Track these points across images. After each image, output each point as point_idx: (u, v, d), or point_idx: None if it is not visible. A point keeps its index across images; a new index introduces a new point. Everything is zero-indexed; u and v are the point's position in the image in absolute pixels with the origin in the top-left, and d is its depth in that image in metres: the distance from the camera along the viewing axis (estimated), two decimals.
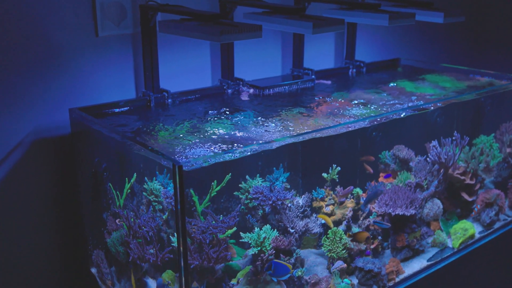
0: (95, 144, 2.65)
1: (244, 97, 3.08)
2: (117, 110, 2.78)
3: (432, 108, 3.09)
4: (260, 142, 2.32)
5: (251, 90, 3.15)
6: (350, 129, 2.56)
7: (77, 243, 2.92)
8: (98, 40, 2.79)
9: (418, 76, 3.66)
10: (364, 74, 3.70)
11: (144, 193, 2.46)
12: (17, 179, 2.68)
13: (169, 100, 2.93)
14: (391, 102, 2.99)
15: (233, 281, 2.52)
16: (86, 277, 2.93)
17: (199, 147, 2.28)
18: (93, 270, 2.88)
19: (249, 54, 3.36)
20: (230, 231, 2.59)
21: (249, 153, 2.25)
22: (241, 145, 2.29)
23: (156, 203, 2.48)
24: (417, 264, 2.99)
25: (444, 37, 4.60)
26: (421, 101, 3.02)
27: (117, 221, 2.59)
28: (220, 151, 2.21)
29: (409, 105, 2.92)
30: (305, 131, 2.48)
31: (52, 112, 2.72)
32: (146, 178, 2.50)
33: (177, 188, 1.91)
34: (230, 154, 2.18)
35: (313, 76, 3.38)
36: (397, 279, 2.86)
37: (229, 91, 3.14)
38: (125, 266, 2.59)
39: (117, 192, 2.55)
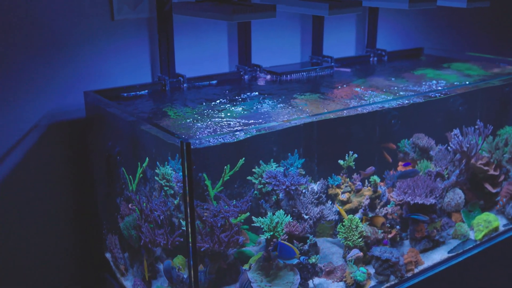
0: (109, 127, 2.64)
1: (261, 82, 3.04)
2: (131, 94, 2.76)
3: (450, 94, 2.99)
4: (272, 123, 2.27)
5: (268, 76, 3.10)
6: (366, 111, 2.48)
7: (91, 228, 2.91)
8: (113, 23, 2.77)
9: (441, 64, 3.56)
10: (386, 62, 3.62)
11: (156, 178, 2.43)
12: (32, 162, 2.68)
13: (185, 85, 2.90)
14: (412, 88, 2.91)
15: (245, 267, 2.48)
16: (101, 262, 2.92)
17: (212, 128, 2.24)
18: (108, 255, 2.86)
19: (268, 41, 3.31)
20: (243, 216, 2.55)
21: (258, 133, 2.20)
22: (252, 125, 2.24)
23: (168, 188, 2.45)
24: (437, 256, 2.90)
25: (469, 25, 4.48)
26: (440, 87, 2.93)
27: (129, 205, 2.57)
28: (230, 130, 2.17)
29: (426, 90, 2.83)
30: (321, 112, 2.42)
31: (67, 95, 2.71)
32: (158, 163, 2.47)
33: (185, 166, 1.88)
34: (241, 133, 2.13)
35: (332, 63, 3.31)
36: (416, 270, 2.78)
37: (246, 77, 3.10)
38: (138, 251, 2.57)
39: (130, 176, 2.53)
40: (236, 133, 2.10)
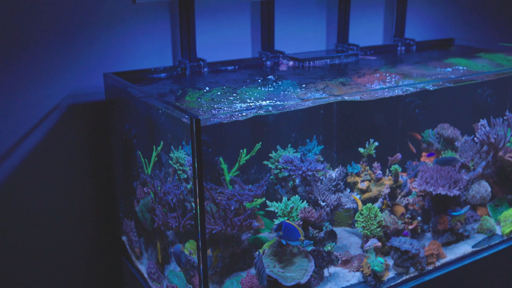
0: (126, 110, 2.63)
1: (283, 68, 2.99)
2: (150, 76, 2.74)
3: (476, 80, 2.88)
4: (287, 101, 2.22)
5: (291, 63, 3.05)
6: (387, 95, 2.40)
7: (109, 211, 2.91)
8: (135, 6, 2.77)
9: (473, 54, 3.45)
10: (414, 52, 3.52)
11: (170, 161, 2.41)
12: (52, 144, 2.70)
13: (205, 69, 2.87)
14: (440, 76, 2.82)
15: (260, 251, 2.44)
16: (117, 245, 2.92)
17: (227, 108, 2.21)
18: (124, 239, 2.86)
19: (292, 28, 3.26)
20: (259, 201, 2.51)
21: (269, 112, 2.15)
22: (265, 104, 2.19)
23: (181, 172, 2.42)
24: (460, 250, 2.81)
25: (502, 15, 4.32)
26: (467, 74, 2.83)
27: (144, 189, 2.56)
28: (244, 108, 2.13)
29: (453, 76, 2.73)
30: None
31: (89, 77, 2.72)
32: (172, 147, 2.45)
33: (194, 142, 1.85)
34: (252, 111, 2.09)
35: (358, 51, 3.24)
36: (437, 264, 2.69)
37: (268, 63, 3.06)
38: (152, 234, 2.55)
39: (145, 159, 2.52)
40: (247, 111, 2.06)
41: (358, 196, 2.66)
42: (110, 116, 2.74)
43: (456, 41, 3.80)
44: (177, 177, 2.33)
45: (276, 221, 2.41)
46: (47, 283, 2.84)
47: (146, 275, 2.61)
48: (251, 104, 2.17)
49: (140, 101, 2.43)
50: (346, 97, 2.23)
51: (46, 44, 2.57)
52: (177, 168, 2.35)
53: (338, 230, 2.79)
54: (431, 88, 2.53)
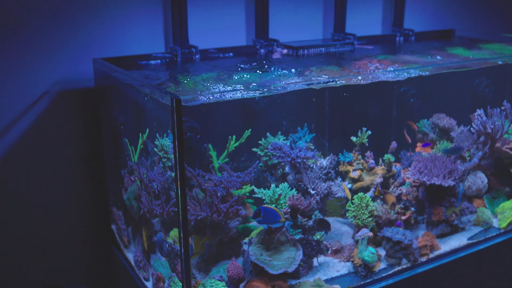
0: (114, 96, 2.59)
1: (277, 56, 2.94)
2: (140, 62, 2.71)
3: (471, 67, 2.82)
4: (272, 84, 2.17)
5: (285, 51, 3.01)
6: (381, 79, 2.34)
7: (99, 199, 2.88)
8: None
9: (473, 44, 3.38)
10: (413, 42, 3.46)
11: (155, 149, 2.37)
12: (42, 130, 2.66)
13: (197, 56, 2.83)
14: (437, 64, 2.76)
15: (246, 240, 2.39)
16: (107, 233, 2.89)
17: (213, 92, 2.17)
18: (113, 227, 2.83)
19: (288, 17, 3.21)
20: (247, 189, 2.47)
21: (254, 95, 2.10)
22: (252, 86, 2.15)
23: (166, 160, 2.38)
24: (455, 242, 2.75)
25: (504, 6, 4.24)
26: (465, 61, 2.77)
27: (131, 177, 2.53)
28: (228, 89, 2.08)
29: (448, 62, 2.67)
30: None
31: (79, 63, 2.68)
32: (157, 134, 2.40)
33: (175, 123, 1.81)
34: (236, 93, 2.05)
35: (354, 40, 3.19)
36: (431, 255, 2.63)
37: (262, 50, 3.01)
38: (139, 222, 2.51)
39: (132, 147, 2.48)
40: (231, 92, 2.02)
41: (349, 186, 2.61)
42: (100, 103, 2.71)
43: (456, 32, 3.73)
44: (162, 165, 2.29)
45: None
46: (38, 272, 2.81)
47: (133, 263, 2.58)
48: (237, 86, 2.13)
49: (126, 86, 2.39)
50: (332, 81, 2.18)
51: (35, 28, 2.54)
52: (162, 155, 2.31)
53: (330, 220, 2.73)
54: (425, 74, 2.47)
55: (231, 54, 2.94)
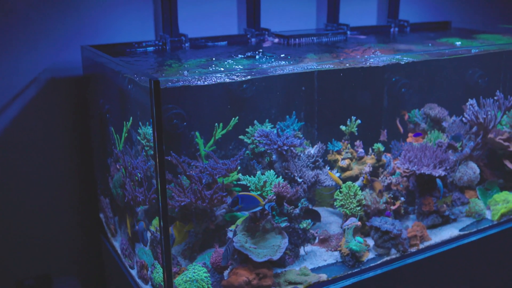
0: (101, 83, 2.57)
1: (267, 45, 2.92)
2: (129, 50, 2.69)
3: (463, 54, 2.78)
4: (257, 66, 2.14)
5: (276, 40, 2.98)
6: (371, 64, 2.31)
7: (89, 188, 2.87)
8: None
9: (469, 35, 3.34)
10: (407, 33, 3.42)
11: (138, 137, 2.35)
12: (31, 118, 2.65)
13: (187, 44, 2.81)
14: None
15: (232, 227, 2.37)
16: (95, 222, 2.88)
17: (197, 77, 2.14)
18: (101, 215, 2.82)
19: (281, 7, 3.19)
20: (234, 177, 2.45)
21: (238, 76, 2.08)
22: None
23: (148, 148, 2.36)
24: (446, 233, 2.71)
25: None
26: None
27: (117, 165, 2.51)
28: (209, 71, 2.06)
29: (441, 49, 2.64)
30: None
31: (68, 50, 2.67)
32: (140, 123, 2.39)
33: (153, 104, 1.79)
34: (219, 74, 2.02)
35: (347, 30, 3.16)
36: (421, 246, 2.59)
37: (253, 40, 2.99)
38: (123, 211, 2.50)
39: (117, 135, 2.46)
40: (212, 74, 2.00)
41: (337, 175, 2.58)
42: (88, 91, 2.69)
43: (453, 23, 3.69)
44: (144, 153, 2.26)
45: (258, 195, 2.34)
46: (28, 262, 2.80)
47: (119, 252, 2.56)
48: (221, 69, 2.11)
49: (111, 73, 2.36)
50: (316, 65, 2.15)
51: (22, 14, 2.53)
52: (144, 144, 2.29)
53: (319, 209, 2.71)
54: (413, 60, 2.44)
55: (221, 43, 2.92)
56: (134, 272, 2.39)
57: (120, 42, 2.72)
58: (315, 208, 2.67)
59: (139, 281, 2.32)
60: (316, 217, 2.69)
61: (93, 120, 2.71)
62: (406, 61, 2.48)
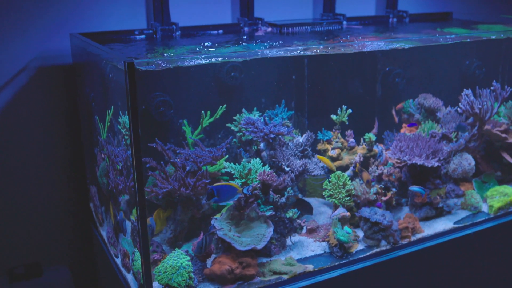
0: (87, 71, 2.55)
1: (260, 34, 2.88)
2: (117, 37, 2.67)
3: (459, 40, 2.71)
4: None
5: (269, 29, 2.94)
6: (365, 49, 2.25)
7: (78, 177, 2.85)
8: None
9: (469, 25, 3.27)
10: (406, 23, 3.36)
11: (118, 127, 2.33)
12: (20, 107, 2.64)
13: (178, 33, 2.79)
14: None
15: (217, 216, 2.34)
16: (85, 211, 2.86)
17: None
18: (91, 205, 2.80)
19: None
20: (222, 166, 2.41)
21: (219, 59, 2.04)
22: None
23: (128, 137, 2.33)
24: (440, 225, 2.65)
25: None
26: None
27: (102, 154, 2.49)
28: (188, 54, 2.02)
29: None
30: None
31: (59, 38, 2.66)
32: (120, 112, 2.36)
33: (128, 86, 1.76)
34: (198, 56, 1.98)
35: (342, 20, 3.11)
36: (413, 238, 2.54)
37: (246, 29, 2.96)
38: (108, 200, 2.47)
39: (101, 124, 2.44)
40: (190, 55, 1.96)
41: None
42: (77, 79, 2.68)
43: (454, 14, 3.62)
44: (124, 143, 2.24)
45: (233, 183, 2.30)
46: (18, 250, 2.80)
47: (106, 240, 2.54)
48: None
49: (95, 61, 2.34)
50: (301, 51, 2.11)
51: (12, 1, 2.51)
52: (124, 133, 2.26)
53: (310, 200, 2.67)
54: (406, 46, 2.39)
55: (213, 31, 2.89)
56: (118, 261, 2.37)
57: (110, 30, 2.70)
58: (307, 199, 2.63)
59: (122, 269, 2.30)
60: (308, 209, 2.65)
61: (81, 109, 2.69)
62: (393, 47, 2.43)
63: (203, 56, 2.05)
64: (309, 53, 2.23)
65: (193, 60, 2.00)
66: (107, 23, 2.74)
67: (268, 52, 2.19)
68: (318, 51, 2.23)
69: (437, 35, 2.69)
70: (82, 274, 2.95)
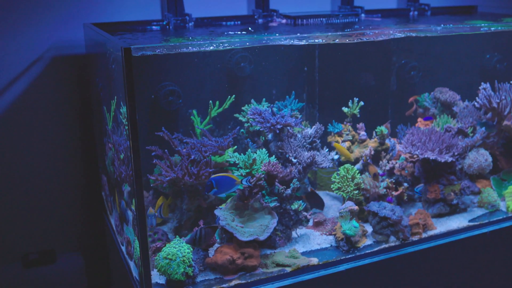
0: (97, 61, 2.56)
1: (273, 25, 2.85)
2: (130, 28, 2.68)
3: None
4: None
5: (284, 21, 2.91)
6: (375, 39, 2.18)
7: (91, 166, 2.89)
8: None
9: (494, 18, 3.17)
10: (428, 16, 3.28)
11: (120, 117, 2.34)
12: (35, 96, 2.68)
13: (191, 24, 2.78)
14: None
15: (222, 206, 2.33)
16: (98, 199, 2.89)
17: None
18: (103, 193, 2.83)
19: None
20: (228, 155, 2.40)
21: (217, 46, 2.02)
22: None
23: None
24: (454, 223, 2.58)
25: None
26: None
27: (109, 143, 2.51)
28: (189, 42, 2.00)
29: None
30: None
31: (73, 28, 2.69)
32: (122, 103, 2.37)
33: (125, 74, 1.76)
34: (199, 43, 1.96)
35: (359, 12, 3.05)
36: (424, 235, 2.47)
37: (260, 20, 2.93)
38: (114, 188, 2.48)
39: (108, 114, 2.45)
40: (189, 43, 1.95)
41: (337, 157, 2.48)
42: (89, 69, 2.70)
43: (479, 8, 3.51)
44: (125, 132, 2.24)
45: (237, 173, 2.28)
46: (33, 237, 2.85)
47: (114, 228, 2.56)
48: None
49: (103, 50, 2.35)
50: (305, 40, 2.07)
51: None
52: (125, 123, 2.26)
53: (321, 193, 2.63)
54: (419, 35, 2.30)
55: (227, 23, 2.88)
56: (124, 249, 2.39)
57: (124, 20, 2.71)
58: (318, 192, 2.59)
59: (126, 257, 2.31)
60: (319, 204, 2.61)
61: (93, 98, 2.72)
62: (402, 36, 2.36)
63: (206, 42, 2.04)
64: (318, 40, 2.18)
65: (195, 47, 1.99)
66: (121, 14, 2.76)
67: (272, 38, 2.16)
68: (322, 40, 2.19)
69: (450, 25, 2.60)
70: (95, 262, 2.99)
